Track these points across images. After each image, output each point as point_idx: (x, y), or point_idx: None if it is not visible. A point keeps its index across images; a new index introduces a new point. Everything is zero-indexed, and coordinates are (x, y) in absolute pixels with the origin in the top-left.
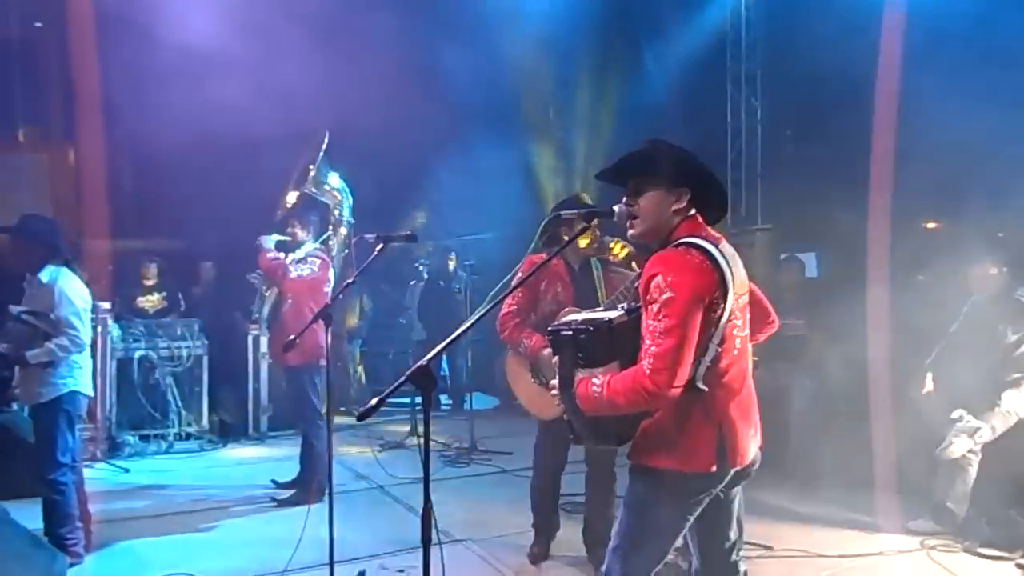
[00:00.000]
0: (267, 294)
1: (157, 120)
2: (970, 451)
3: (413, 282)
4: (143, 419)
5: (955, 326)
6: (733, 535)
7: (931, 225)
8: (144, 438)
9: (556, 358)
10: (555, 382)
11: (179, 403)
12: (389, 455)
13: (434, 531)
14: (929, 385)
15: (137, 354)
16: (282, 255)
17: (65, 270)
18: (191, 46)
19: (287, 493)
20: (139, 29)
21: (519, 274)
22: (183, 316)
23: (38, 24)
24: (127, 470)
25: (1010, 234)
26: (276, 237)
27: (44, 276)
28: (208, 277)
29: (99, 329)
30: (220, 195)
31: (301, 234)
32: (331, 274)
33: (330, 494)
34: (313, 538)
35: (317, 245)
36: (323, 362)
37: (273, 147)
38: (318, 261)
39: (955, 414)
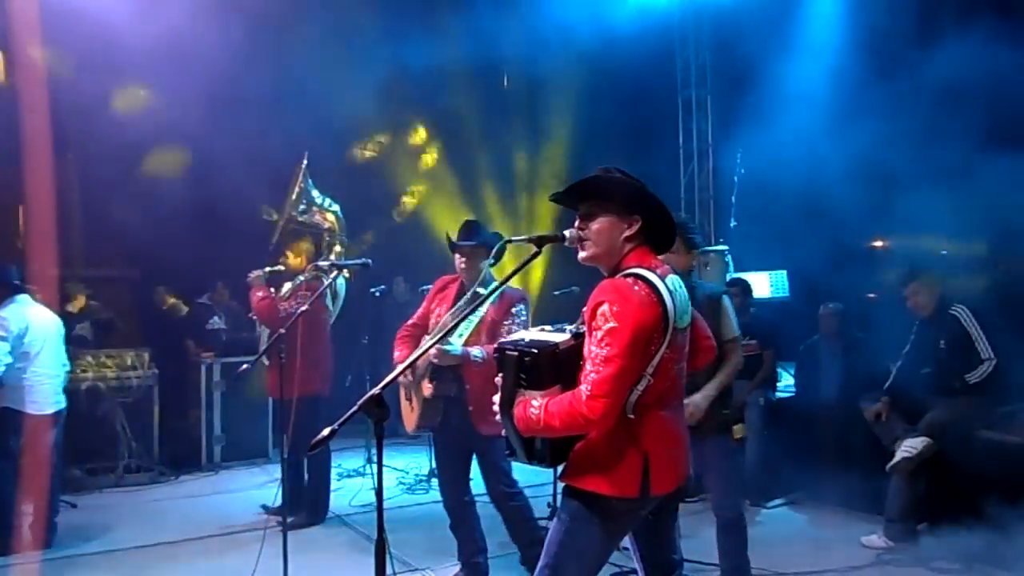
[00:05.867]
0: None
1: (109, 146)
2: (923, 462)
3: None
4: (91, 452)
5: (907, 347)
6: (676, 556)
7: (878, 243)
8: (92, 471)
9: (500, 375)
10: (496, 397)
11: (129, 434)
12: (347, 483)
13: (391, 561)
14: (879, 407)
15: (84, 384)
16: (272, 290)
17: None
18: (145, 69)
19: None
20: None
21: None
22: (125, 344)
23: None
24: (74, 505)
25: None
26: (268, 270)
27: None
28: (163, 303)
29: None
30: (177, 222)
31: (295, 262)
32: (329, 300)
33: (284, 526)
34: (268, 571)
35: (307, 276)
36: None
37: (233, 172)
38: (308, 295)
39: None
